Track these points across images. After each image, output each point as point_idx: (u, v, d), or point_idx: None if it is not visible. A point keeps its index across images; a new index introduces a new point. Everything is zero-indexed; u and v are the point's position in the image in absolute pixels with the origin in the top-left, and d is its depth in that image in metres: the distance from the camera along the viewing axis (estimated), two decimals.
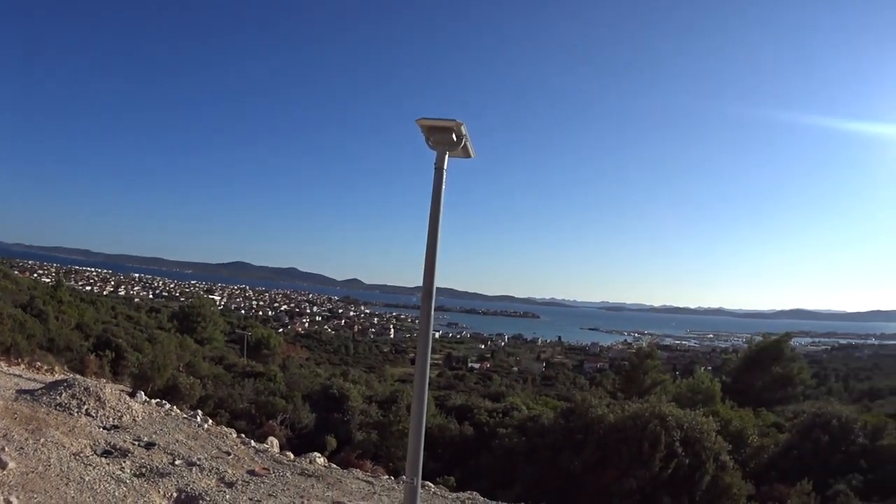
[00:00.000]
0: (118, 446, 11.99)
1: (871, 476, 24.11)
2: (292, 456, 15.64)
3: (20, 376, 19.66)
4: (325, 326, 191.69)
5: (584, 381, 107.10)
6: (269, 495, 11.28)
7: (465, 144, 6.79)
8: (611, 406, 24.98)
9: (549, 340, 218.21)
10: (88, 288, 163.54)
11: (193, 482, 10.83)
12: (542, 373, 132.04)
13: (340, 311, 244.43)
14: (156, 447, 12.78)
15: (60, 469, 9.68)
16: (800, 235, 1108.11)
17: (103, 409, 14.56)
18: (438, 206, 6.67)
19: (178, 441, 14.00)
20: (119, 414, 14.69)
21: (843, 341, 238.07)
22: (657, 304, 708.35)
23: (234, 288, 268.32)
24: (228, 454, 13.94)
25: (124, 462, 11.07)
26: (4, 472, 8.95)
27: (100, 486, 9.43)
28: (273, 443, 17.69)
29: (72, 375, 20.73)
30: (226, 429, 17.25)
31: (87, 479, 9.51)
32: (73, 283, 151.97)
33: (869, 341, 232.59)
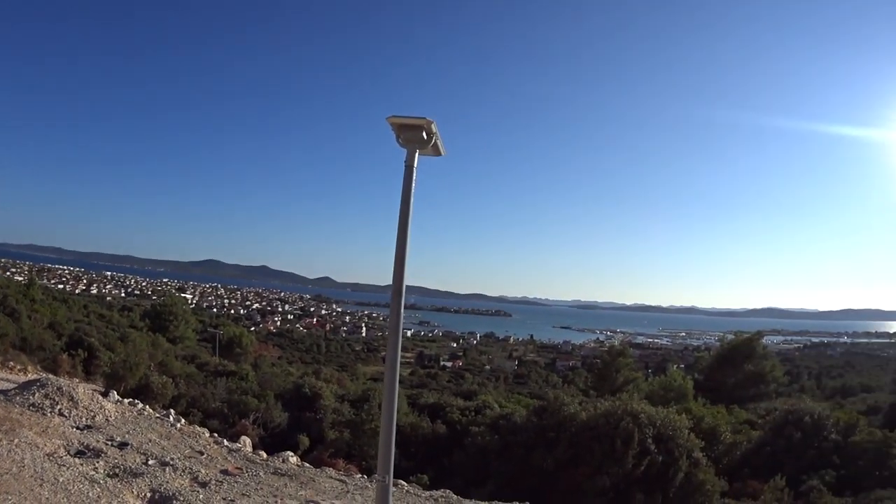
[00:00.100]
0: (92, 446, 11.95)
1: (843, 472, 24.59)
2: (265, 455, 15.60)
3: None
4: (297, 325, 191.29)
5: (556, 379, 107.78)
6: (243, 495, 11.28)
7: (435, 142, 6.83)
8: (583, 404, 25.14)
9: (521, 339, 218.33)
10: (61, 286, 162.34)
11: (167, 482, 10.80)
12: (514, 371, 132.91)
13: (312, 309, 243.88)
14: (129, 447, 12.72)
15: (34, 470, 9.60)
16: (772, 235, 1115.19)
17: (76, 408, 14.50)
18: (408, 205, 6.70)
19: (151, 441, 13.97)
20: (92, 414, 14.64)
21: (815, 340, 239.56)
22: (629, 302, 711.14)
23: (205, 286, 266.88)
24: (201, 454, 13.91)
25: (98, 462, 11.02)
26: None
27: (74, 486, 9.38)
28: (246, 442, 17.67)
29: (45, 375, 20.61)
30: (198, 428, 17.23)
31: (61, 479, 9.46)
32: (45, 281, 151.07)
33: (841, 340, 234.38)
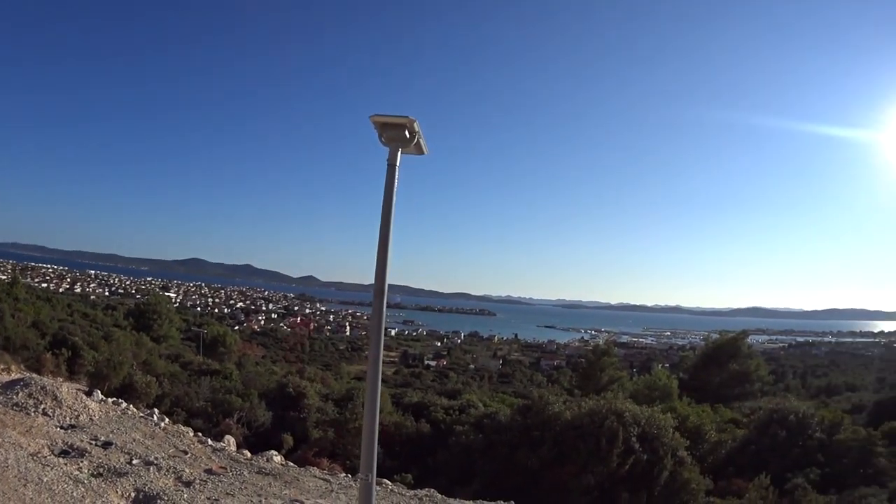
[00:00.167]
0: (76, 446, 11.96)
1: (828, 470, 24.70)
2: (249, 454, 15.63)
3: None
4: (281, 324, 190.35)
5: (541, 378, 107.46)
6: (227, 494, 11.28)
7: (417, 141, 6.84)
8: (568, 403, 25.17)
9: (505, 338, 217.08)
10: (45, 285, 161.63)
11: (151, 481, 10.80)
12: (498, 370, 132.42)
13: (296, 308, 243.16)
14: (113, 446, 12.74)
15: (18, 470, 9.57)
16: (758, 235, 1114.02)
17: (60, 408, 14.50)
18: (391, 203, 6.71)
19: (135, 440, 13.97)
20: (76, 413, 14.64)
21: (800, 339, 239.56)
22: (614, 301, 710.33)
23: (189, 285, 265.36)
24: (185, 453, 13.93)
25: (82, 462, 11.04)
26: None
27: (58, 486, 9.36)
28: (230, 441, 17.70)
29: (28, 374, 20.57)
30: (182, 427, 17.21)
31: (45, 479, 9.43)
32: (29, 279, 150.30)
33: (826, 339, 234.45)
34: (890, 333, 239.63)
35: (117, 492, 9.95)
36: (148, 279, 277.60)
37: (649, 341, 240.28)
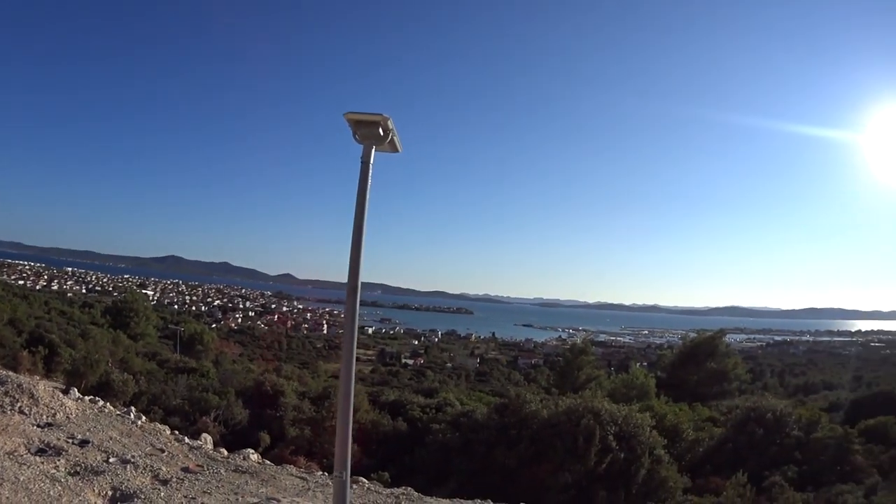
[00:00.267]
0: (52, 444, 11.91)
1: (805, 467, 24.98)
2: (226, 452, 15.63)
3: None
4: (259, 322, 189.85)
5: (518, 377, 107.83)
6: (204, 492, 11.27)
7: (391, 139, 6.87)
8: (545, 401, 25.34)
9: (482, 336, 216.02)
10: (21, 282, 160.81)
11: (128, 480, 10.81)
12: (476, 369, 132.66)
13: (273, 306, 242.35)
14: (90, 445, 12.70)
15: None
16: (735, 234, 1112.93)
17: (37, 406, 14.43)
18: (364, 201, 6.75)
19: (111, 438, 13.93)
20: (53, 411, 14.58)
21: (778, 338, 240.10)
22: (592, 300, 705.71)
23: (167, 282, 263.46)
24: (162, 451, 13.89)
25: (59, 460, 10.99)
26: None
27: (35, 485, 9.35)
28: (207, 439, 17.66)
29: (4, 372, 20.41)
30: (159, 425, 17.14)
31: (21, 478, 9.42)
32: (5, 277, 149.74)
33: (804, 338, 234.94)
34: (867, 332, 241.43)
35: (94, 490, 9.94)
36: (125, 276, 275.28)
37: (627, 340, 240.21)
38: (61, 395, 16.27)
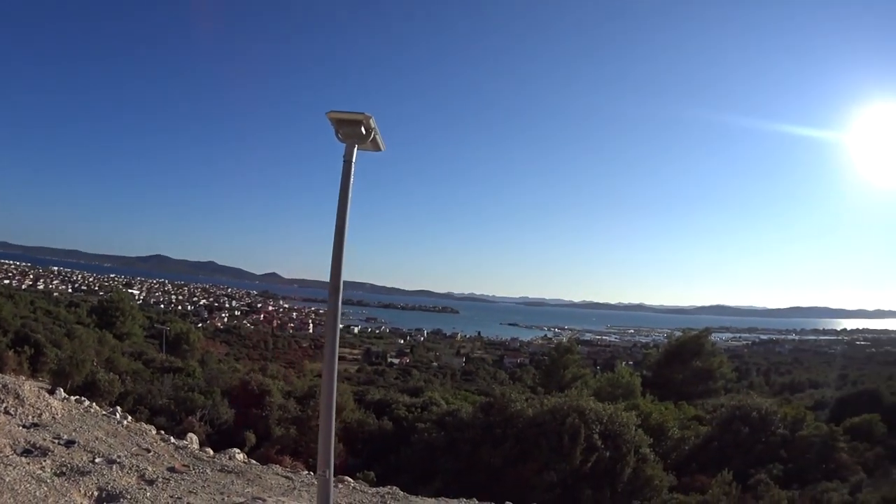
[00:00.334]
0: (38, 445, 11.92)
1: (791, 465, 25.17)
2: (212, 452, 15.70)
3: None
4: (245, 321, 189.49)
5: (504, 375, 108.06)
6: (190, 492, 11.30)
7: (374, 137, 6.93)
8: (530, 400, 25.41)
9: (468, 335, 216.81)
10: (7, 281, 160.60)
11: (114, 480, 10.83)
12: (462, 368, 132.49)
13: (259, 305, 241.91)
14: (76, 445, 12.70)
15: None
16: (721, 233, 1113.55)
17: (22, 406, 14.43)
18: (346, 200, 6.82)
19: (97, 438, 13.94)
20: (38, 412, 14.59)
21: (763, 337, 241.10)
22: (577, 299, 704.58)
23: (153, 282, 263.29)
24: (148, 451, 13.91)
25: (45, 461, 11.00)
26: None
27: (20, 486, 9.36)
28: (192, 439, 17.68)
29: None
30: (145, 425, 17.15)
31: (7, 479, 9.41)
32: None
33: (789, 337, 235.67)
34: (852, 331, 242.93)
35: (80, 491, 9.96)
36: (111, 276, 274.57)
37: (613, 339, 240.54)
38: (47, 395, 16.26)
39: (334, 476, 14.98)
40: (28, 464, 10.59)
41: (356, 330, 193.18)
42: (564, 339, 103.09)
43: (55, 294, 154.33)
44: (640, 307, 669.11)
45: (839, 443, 27.29)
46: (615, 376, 47.64)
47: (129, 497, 10.05)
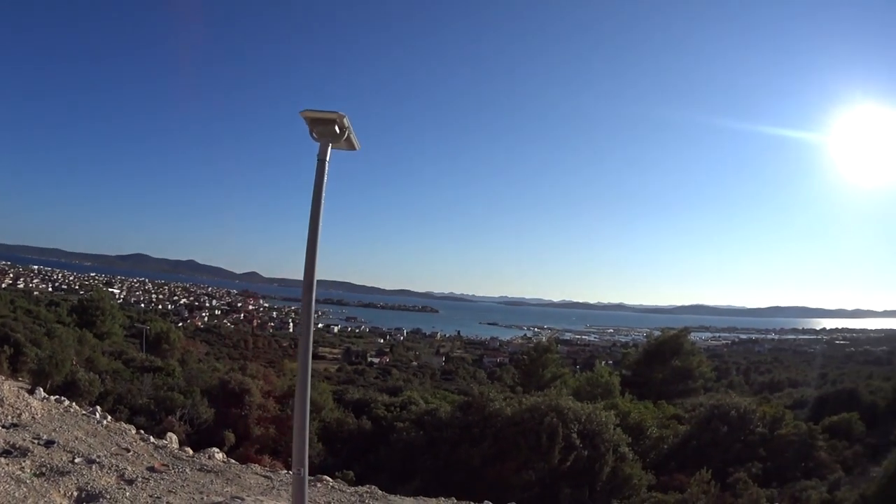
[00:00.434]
0: (18, 445, 11.96)
1: (770, 464, 25.32)
2: (191, 451, 15.76)
3: None
4: (225, 320, 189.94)
5: (483, 375, 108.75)
6: (169, 491, 11.37)
7: (348, 136, 6.96)
8: (508, 400, 25.51)
9: (448, 335, 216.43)
10: None
11: (93, 480, 10.89)
12: (441, 367, 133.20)
13: (240, 304, 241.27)
14: (55, 445, 12.75)
15: None
16: (700, 233, 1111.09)
17: (2, 406, 14.46)
18: (320, 198, 6.84)
19: (77, 438, 14.00)
20: (18, 412, 14.62)
21: (743, 336, 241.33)
22: (557, 299, 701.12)
23: (133, 280, 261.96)
24: (128, 451, 13.97)
25: (24, 461, 11.05)
26: None
27: (0, 486, 9.42)
28: (172, 438, 17.73)
29: None
30: (125, 425, 17.22)
31: None
32: None
33: (769, 336, 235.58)
34: (832, 330, 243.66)
35: (60, 491, 10.02)
36: (91, 275, 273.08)
37: (592, 338, 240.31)
38: (27, 395, 16.31)
39: (313, 475, 15.10)
40: (7, 464, 10.64)
41: (336, 329, 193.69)
42: (544, 339, 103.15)
43: (35, 293, 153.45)
44: (619, 307, 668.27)
45: (818, 441, 27.51)
46: (594, 376, 47.70)
47: (108, 497, 10.13)
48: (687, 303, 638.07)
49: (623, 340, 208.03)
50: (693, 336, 74.12)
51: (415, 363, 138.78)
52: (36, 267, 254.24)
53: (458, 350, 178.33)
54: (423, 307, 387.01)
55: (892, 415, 31.30)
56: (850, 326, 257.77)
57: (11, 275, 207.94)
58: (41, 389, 18.80)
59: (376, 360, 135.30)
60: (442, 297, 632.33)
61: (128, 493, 10.55)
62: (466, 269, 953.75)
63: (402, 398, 33.44)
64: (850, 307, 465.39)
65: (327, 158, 6.90)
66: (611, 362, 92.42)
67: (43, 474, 10.62)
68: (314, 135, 6.84)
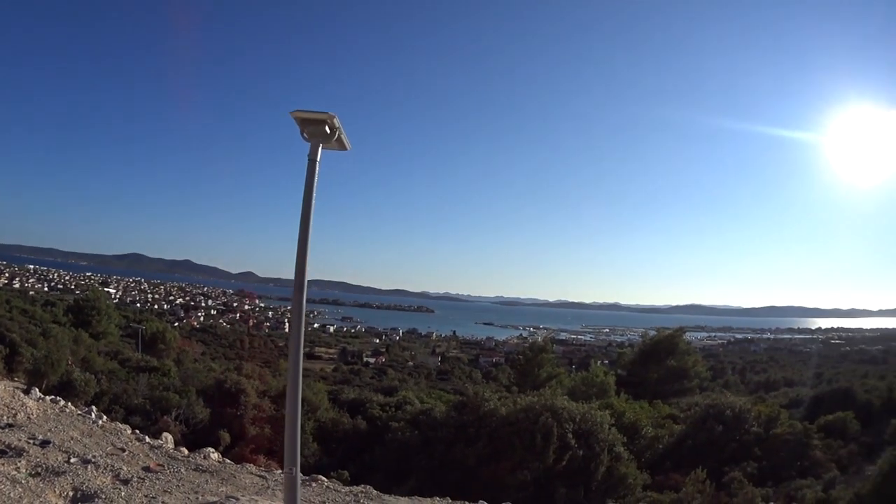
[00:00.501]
0: (13, 445, 11.96)
1: (765, 463, 25.39)
2: (187, 451, 15.74)
3: None
4: (221, 320, 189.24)
5: (479, 375, 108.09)
6: (164, 491, 11.38)
7: (339, 136, 7.02)
8: (503, 399, 25.51)
9: (443, 335, 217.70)
10: None
11: (89, 480, 10.89)
12: (437, 367, 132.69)
13: (235, 304, 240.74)
14: (51, 445, 12.73)
15: None
16: (696, 232, 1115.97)
17: None
18: (311, 199, 6.89)
19: (73, 438, 13.95)
20: (13, 412, 14.63)
21: (738, 336, 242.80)
22: (552, 298, 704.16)
23: (129, 280, 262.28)
24: (123, 451, 13.94)
25: (20, 462, 11.04)
26: None
27: None
28: (167, 438, 17.68)
29: None
30: (120, 425, 17.12)
31: None
32: None
33: (764, 335, 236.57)
34: (827, 330, 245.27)
35: (55, 491, 10.02)
36: (87, 274, 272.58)
37: (588, 338, 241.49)
38: (22, 395, 16.30)
39: (307, 475, 15.12)
40: (3, 465, 10.66)
41: (332, 329, 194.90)
42: (539, 339, 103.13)
43: (31, 293, 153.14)
44: (615, 306, 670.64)
45: (813, 440, 27.59)
46: (590, 375, 47.67)
47: (104, 497, 10.14)
48: (683, 302, 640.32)
49: (618, 340, 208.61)
50: (689, 336, 73.93)
51: (411, 363, 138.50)
52: (32, 266, 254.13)
53: (453, 350, 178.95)
54: (418, 307, 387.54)
55: (887, 414, 31.26)
56: (846, 326, 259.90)
57: (7, 274, 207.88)
58: (37, 389, 18.77)
59: (372, 360, 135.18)
60: (438, 297, 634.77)
61: (123, 494, 10.56)
62: (462, 269, 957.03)
63: (397, 398, 33.49)
64: (845, 307, 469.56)
65: (318, 158, 6.94)
66: (606, 362, 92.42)
67: (38, 474, 10.62)
68: (305, 135, 6.91)
